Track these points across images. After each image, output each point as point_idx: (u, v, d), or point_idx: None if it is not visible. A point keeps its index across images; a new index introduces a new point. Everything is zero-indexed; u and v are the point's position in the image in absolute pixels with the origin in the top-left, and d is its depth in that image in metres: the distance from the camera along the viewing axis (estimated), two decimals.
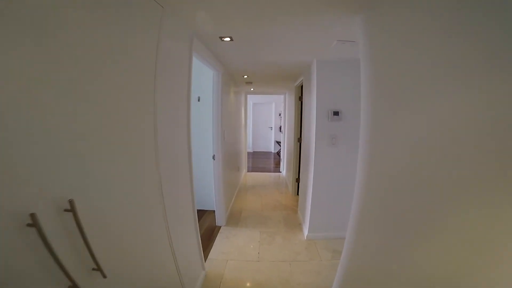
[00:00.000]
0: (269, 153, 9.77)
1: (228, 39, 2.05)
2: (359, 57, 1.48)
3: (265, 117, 9.85)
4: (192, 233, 2.10)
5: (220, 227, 3.42)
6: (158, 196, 1.38)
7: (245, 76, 3.96)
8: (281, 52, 2.46)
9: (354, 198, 1.52)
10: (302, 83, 3.77)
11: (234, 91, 4.59)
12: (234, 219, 3.63)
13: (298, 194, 4.58)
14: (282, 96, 8.71)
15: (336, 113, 2.57)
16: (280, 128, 9.51)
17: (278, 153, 9.33)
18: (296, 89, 4.29)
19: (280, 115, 9.52)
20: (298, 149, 4.39)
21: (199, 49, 2.12)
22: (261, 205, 4.14)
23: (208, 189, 3.62)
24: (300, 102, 4.29)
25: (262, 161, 8.30)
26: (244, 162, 6.36)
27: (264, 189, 5.02)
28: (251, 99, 9.46)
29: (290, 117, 5.27)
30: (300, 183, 4.48)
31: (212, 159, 3.13)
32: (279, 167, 6.99)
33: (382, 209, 1.26)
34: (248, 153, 9.43)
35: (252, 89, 5.70)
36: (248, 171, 6.65)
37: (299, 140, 4.33)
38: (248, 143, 9.82)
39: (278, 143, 9.36)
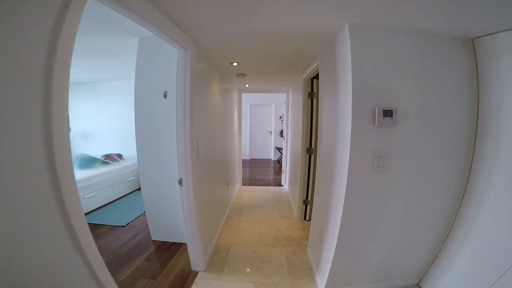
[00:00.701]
0: (268, 160, 8.74)
1: None
2: None
3: (264, 121, 8.83)
4: None
5: (197, 273, 2.38)
6: None
7: (235, 64, 2.94)
8: (285, 13, 1.46)
9: None
10: (315, 72, 2.75)
11: (223, 88, 3.57)
12: (219, 260, 2.58)
13: (306, 218, 3.54)
14: (283, 96, 7.76)
15: (388, 114, 1.49)
16: (281, 133, 8.50)
17: (279, 161, 8.30)
18: (305, 82, 3.25)
19: (281, 118, 8.51)
20: (308, 163, 3.35)
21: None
22: (257, 237, 3.08)
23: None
24: (310, 100, 3.26)
25: (261, 171, 7.25)
26: (238, 174, 5.30)
27: (262, 211, 3.94)
28: (248, 99, 8.46)
29: (295, 120, 4.22)
30: (312, 208, 3.45)
31: (179, 185, 2.10)
32: (280, 178, 5.95)
33: None
34: (245, 161, 8.40)
35: (247, 85, 4.67)
36: (243, 184, 5.59)
37: (309, 151, 3.31)
38: (245, 150, 8.79)
39: (279, 149, 8.32)
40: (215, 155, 3.01)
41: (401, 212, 1.69)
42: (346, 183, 1.54)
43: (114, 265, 2.50)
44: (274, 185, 5.60)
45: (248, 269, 2.44)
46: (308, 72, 2.96)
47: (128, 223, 3.42)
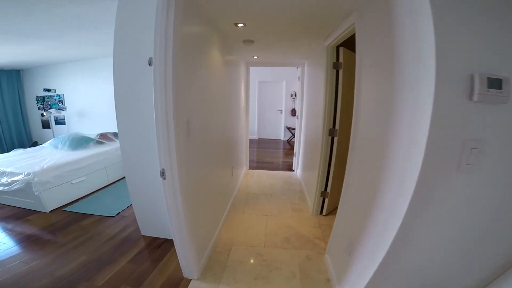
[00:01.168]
0: (277, 141, 8.19)
1: None
2: None
3: (274, 98, 8.18)
4: None
5: (189, 281, 1.96)
6: None
7: (240, 25, 2.32)
8: None
9: None
10: (344, 36, 2.14)
11: (228, 60, 2.97)
12: (217, 265, 2.14)
13: (322, 213, 3.05)
14: (295, 72, 7.06)
15: (494, 84, 0.86)
16: (293, 111, 7.88)
17: (289, 142, 7.76)
18: (330, 50, 2.58)
19: (292, 96, 7.85)
20: (329, 147, 2.78)
21: None
22: (264, 236, 2.61)
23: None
24: (335, 72, 2.63)
25: (270, 152, 6.73)
26: (244, 156, 4.81)
27: (270, 201, 3.45)
28: (256, 76, 7.78)
29: (312, 97, 3.59)
30: (330, 202, 2.95)
31: (161, 178, 1.60)
32: (291, 161, 5.42)
33: None
34: (252, 141, 7.89)
35: (255, 56, 4.03)
36: (250, 168, 5.11)
37: (333, 133, 2.73)
38: (253, 129, 8.26)
39: (290, 129, 7.75)
40: (214, 136, 2.49)
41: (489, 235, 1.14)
42: (414, 190, 0.97)
43: (94, 266, 2.10)
44: (284, 169, 5.08)
45: (251, 279, 1.99)
46: (335, 38, 2.32)
47: (119, 213, 3.01)
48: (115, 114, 2.26)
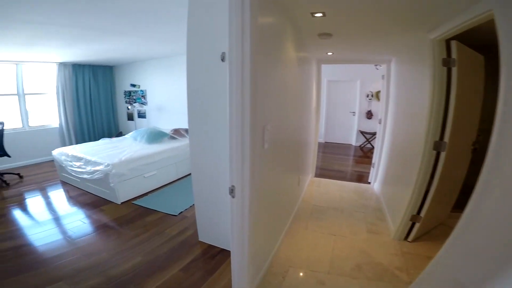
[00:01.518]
0: (347, 146, 7.49)
1: None
2: None
3: (345, 99, 7.48)
4: None
5: None
6: None
7: (318, 15, 1.98)
8: None
9: None
10: (462, 28, 1.62)
11: (299, 57, 2.67)
12: None
13: (407, 238, 2.49)
14: (372, 71, 6.29)
15: None
16: (369, 114, 7.09)
17: (362, 148, 6.99)
18: (437, 45, 2.01)
19: (368, 96, 7.05)
20: (432, 163, 2.17)
21: None
22: (329, 259, 2.21)
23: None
24: (447, 70, 2.06)
25: (338, 159, 6.15)
26: (311, 162, 4.44)
27: (339, 218, 2.99)
28: (324, 74, 7.18)
29: (405, 99, 2.97)
30: (421, 227, 2.42)
31: (230, 196, 1.42)
32: (366, 171, 4.79)
33: None
34: (318, 145, 7.38)
35: (329, 53, 3.62)
36: (315, 175, 4.70)
37: (439, 146, 2.11)
38: (319, 132, 7.73)
39: (364, 134, 6.98)
40: (286, 143, 2.23)
41: None
42: None
43: (146, 270, 2.06)
44: (356, 180, 4.51)
45: None
46: (448, 30, 1.79)
47: (181, 212, 3.03)
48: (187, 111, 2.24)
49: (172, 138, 4.67)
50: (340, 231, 2.69)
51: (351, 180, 4.50)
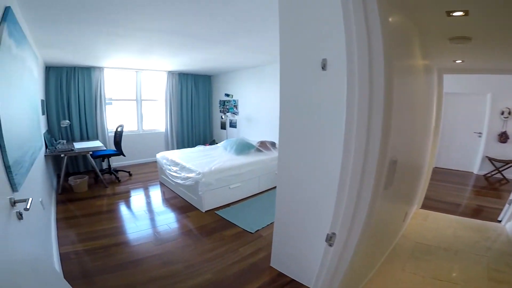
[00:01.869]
0: (466, 174, 5.93)
1: None
2: None
3: (468, 116, 6.00)
4: None
5: None
6: None
7: (456, 14, 1.47)
8: None
9: None
10: None
11: (422, 65, 2.15)
12: None
13: None
14: (509, 82, 4.84)
15: None
16: (502, 136, 5.48)
17: (488, 178, 5.42)
18: None
19: (504, 114, 5.44)
20: None
21: None
22: None
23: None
24: None
25: (453, 188, 4.89)
26: (420, 191, 3.61)
27: (451, 261, 2.25)
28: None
29: None
30: None
31: (325, 243, 1.13)
32: (493, 206, 3.59)
33: None
34: None
35: (458, 60, 2.83)
36: (420, 207, 3.79)
37: None
38: None
39: (493, 161, 5.40)
40: (406, 174, 1.79)
41: None
42: None
43: None
44: (478, 217, 3.41)
45: None
46: None
47: (257, 230, 2.86)
48: (275, 123, 2.04)
49: (258, 150, 4.63)
50: (449, 277, 2.03)
51: (470, 216, 3.44)
